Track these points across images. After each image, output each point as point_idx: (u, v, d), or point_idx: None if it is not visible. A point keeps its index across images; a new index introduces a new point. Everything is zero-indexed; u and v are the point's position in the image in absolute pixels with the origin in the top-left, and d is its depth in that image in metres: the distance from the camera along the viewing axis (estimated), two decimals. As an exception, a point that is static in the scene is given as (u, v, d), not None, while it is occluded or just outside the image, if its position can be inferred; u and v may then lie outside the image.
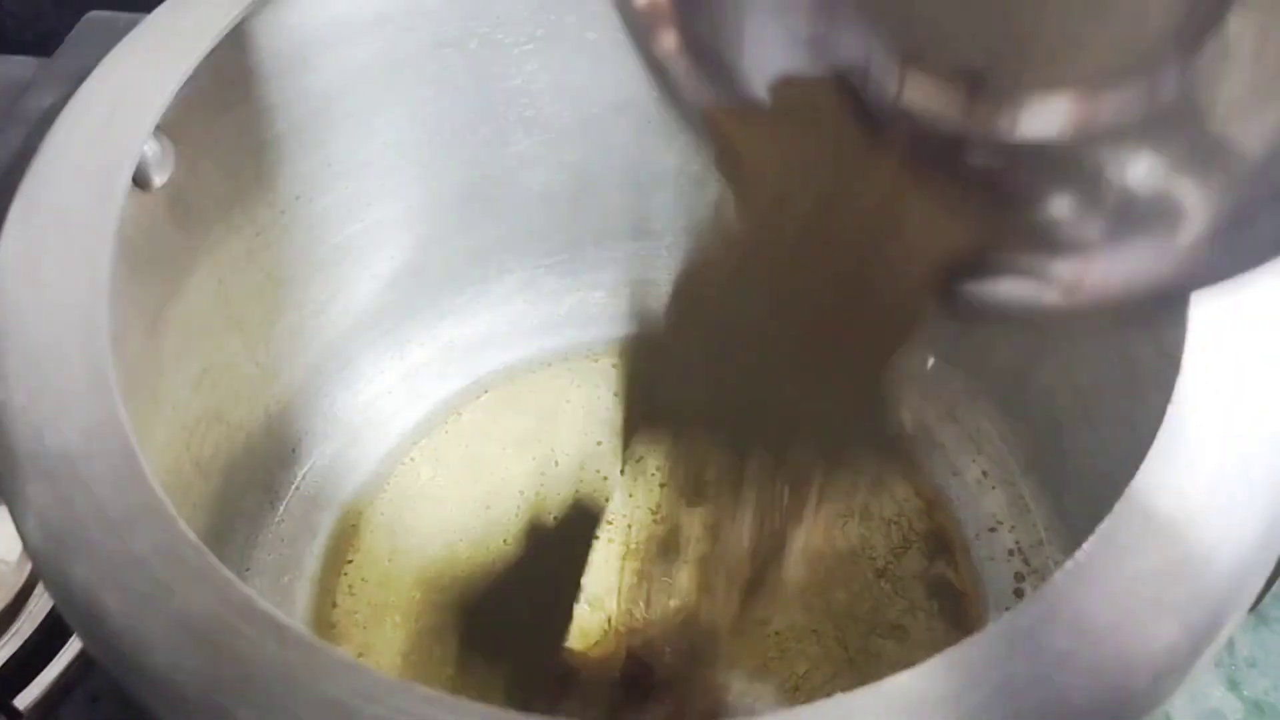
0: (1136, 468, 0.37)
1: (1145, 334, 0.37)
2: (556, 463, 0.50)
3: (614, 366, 0.53)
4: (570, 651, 0.38)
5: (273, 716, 0.21)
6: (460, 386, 0.52)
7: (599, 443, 0.50)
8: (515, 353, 0.53)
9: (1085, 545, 0.26)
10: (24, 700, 0.49)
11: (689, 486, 0.39)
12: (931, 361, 0.50)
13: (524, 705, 0.21)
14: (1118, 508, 0.27)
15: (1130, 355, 0.39)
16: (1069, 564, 0.25)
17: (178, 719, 0.22)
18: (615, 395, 0.52)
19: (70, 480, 0.24)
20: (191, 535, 0.23)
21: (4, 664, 0.49)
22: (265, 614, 0.23)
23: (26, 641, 0.50)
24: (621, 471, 0.42)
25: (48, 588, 0.24)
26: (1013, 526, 0.47)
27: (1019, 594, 0.46)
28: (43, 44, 0.58)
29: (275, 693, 0.22)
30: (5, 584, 0.51)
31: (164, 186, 0.35)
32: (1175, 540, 0.25)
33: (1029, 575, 0.46)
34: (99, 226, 0.29)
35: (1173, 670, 0.23)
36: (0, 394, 0.26)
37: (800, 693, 0.43)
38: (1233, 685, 0.47)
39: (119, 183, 0.30)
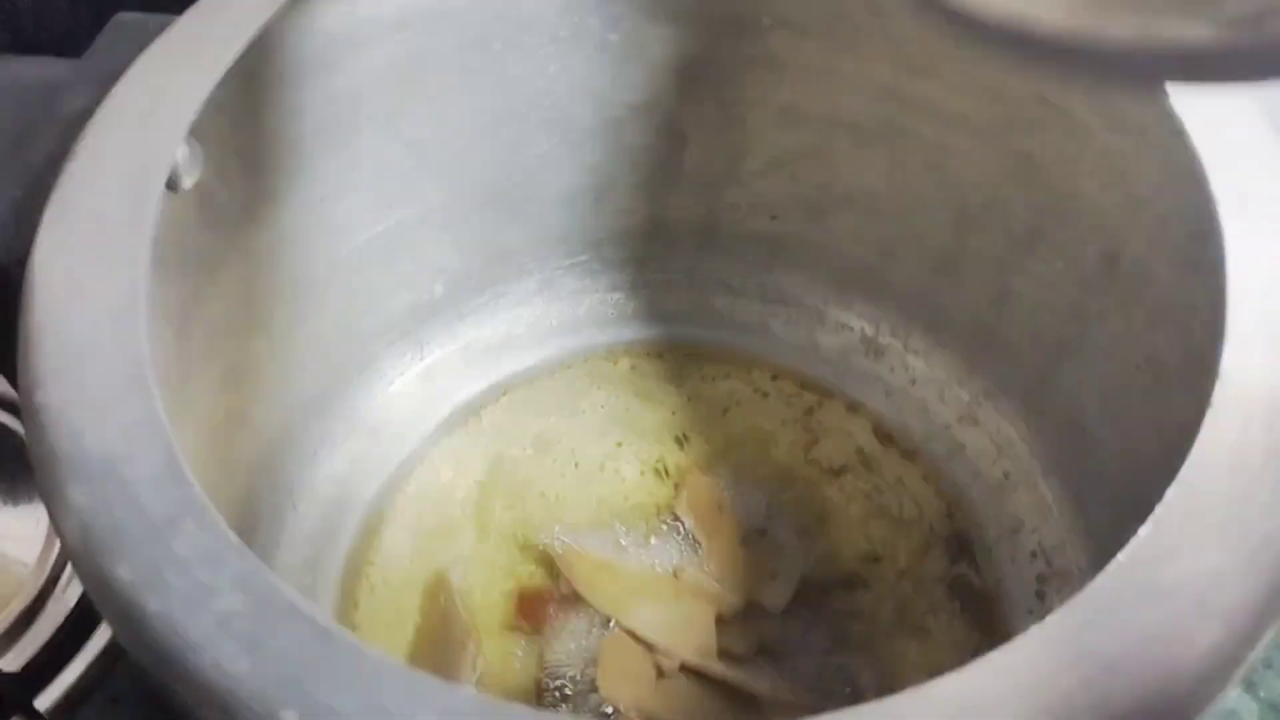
0: (1163, 471, 0.37)
1: (1174, 333, 0.37)
2: (577, 464, 0.50)
3: (633, 368, 0.53)
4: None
5: (317, 711, 0.21)
6: (480, 388, 0.52)
7: (618, 444, 0.50)
8: (535, 354, 0.53)
9: (1127, 546, 0.26)
10: (44, 701, 0.49)
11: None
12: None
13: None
14: (1159, 510, 0.27)
15: (1157, 358, 0.39)
16: (1111, 565, 0.25)
17: (222, 718, 0.22)
18: (635, 396, 0.52)
19: (110, 481, 0.24)
20: (233, 536, 0.23)
21: (24, 665, 0.49)
22: (309, 615, 0.23)
23: (47, 643, 0.50)
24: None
25: (88, 589, 0.24)
26: (1035, 529, 0.47)
27: (1041, 596, 0.46)
28: (60, 43, 0.58)
29: (320, 693, 0.22)
30: (25, 586, 0.51)
31: (193, 188, 0.35)
32: (1218, 542, 0.25)
33: (1051, 577, 0.46)
34: (135, 228, 0.29)
35: (1216, 675, 0.23)
36: (38, 396, 0.26)
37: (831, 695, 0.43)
38: (1249, 687, 0.47)
39: (154, 185, 0.30)
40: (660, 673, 0.43)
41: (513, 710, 0.21)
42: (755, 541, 0.47)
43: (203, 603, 0.23)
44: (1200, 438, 0.28)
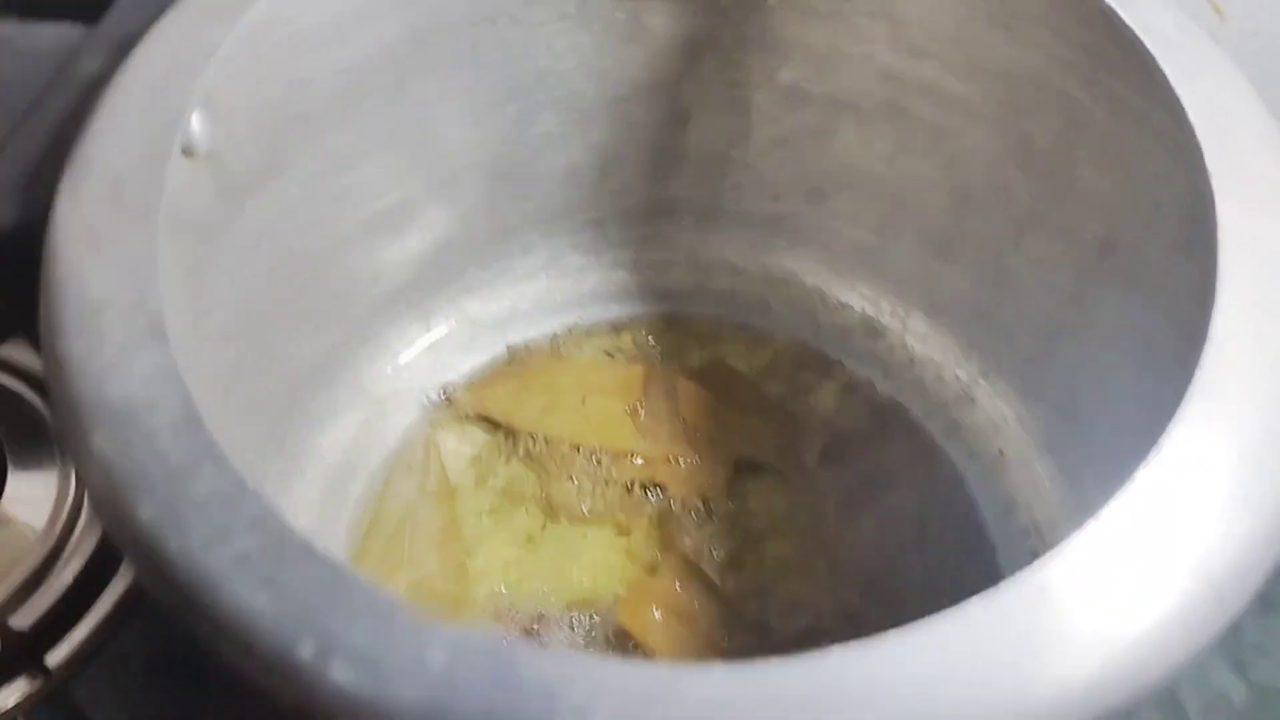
0: (1152, 443, 0.38)
1: (1166, 314, 0.38)
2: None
3: (635, 343, 0.54)
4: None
5: (332, 648, 0.22)
6: (484, 361, 0.53)
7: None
8: (539, 329, 0.54)
9: (1101, 512, 0.26)
10: (54, 659, 0.50)
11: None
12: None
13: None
14: (1137, 475, 0.28)
15: (1151, 337, 0.39)
16: (1084, 529, 0.26)
17: (241, 654, 0.23)
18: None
19: (131, 428, 0.25)
20: (249, 480, 0.24)
21: (34, 623, 0.50)
22: (322, 554, 0.23)
23: (56, 602, 0.51)
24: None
25: (110, 531, 0.25)
26: (1029, 506, 0.48)
27: (1033, 571, 0.46)
28: (74, 8, 0.59)
29: (335, 625, 0.22)
30: (35, 547, 0.52)
31: (207, 155, 0.36)
32: (1189, 516, 0.26)
33: (1044, 551, 0.46)
34: (150, 189, 0.30)
35: (1177, 645, 0.24)
36: (60, 347, 0.27)
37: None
38: (1239, 669, 0.48)
39: (168, 148, 0.31)
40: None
41: (521, 646, 0.22)
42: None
43: (221, 541, 0.23)
44: (1181, 410, 0.29)
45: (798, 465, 0.49)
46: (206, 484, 0.24)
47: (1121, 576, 0.25)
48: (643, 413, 0.51)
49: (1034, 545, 0.47)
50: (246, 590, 0.23)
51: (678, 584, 0.45)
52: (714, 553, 0.46)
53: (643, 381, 0.52)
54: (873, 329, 0.53)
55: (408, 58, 0.44)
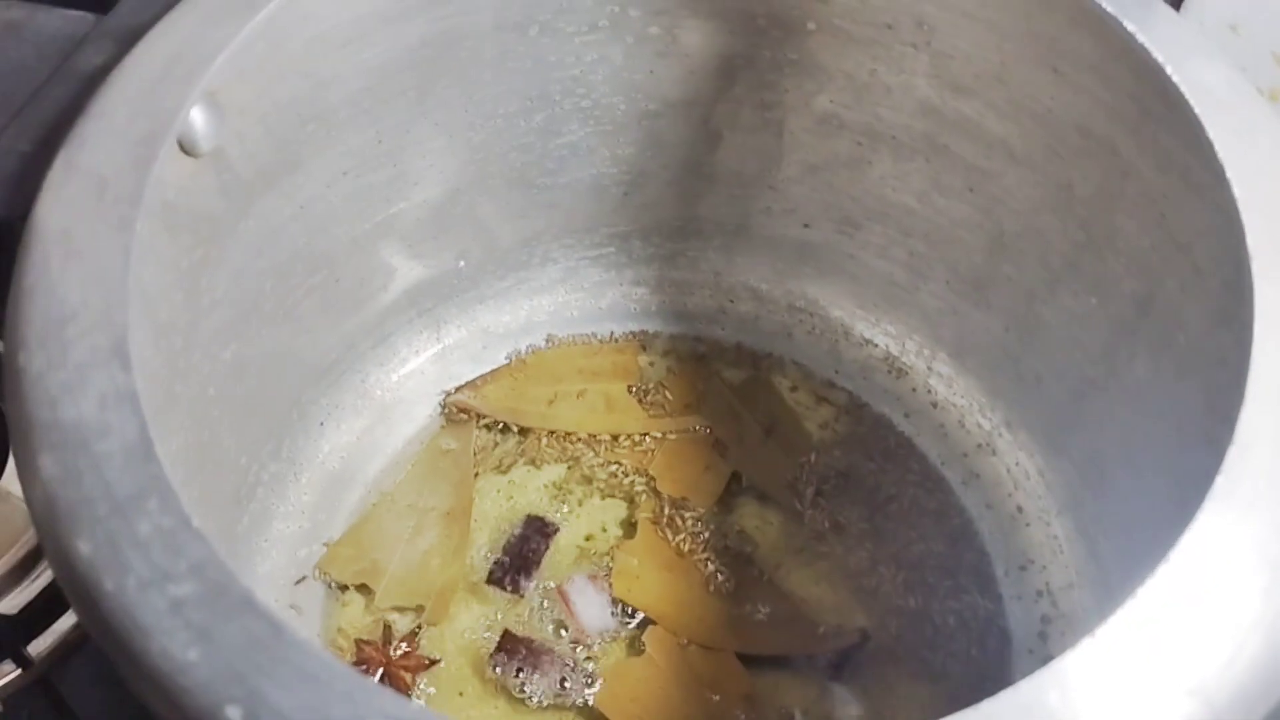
0: (1178, 521, 0.36)
1: (1199, 385, 0.36)
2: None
3: (650, 364, 0.52)
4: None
5: (261, 710, 0.21)
6: (494, 371, 0.51)
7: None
8: (553, 344, 0.53)
9: (1119, 611, 0.25)
10: (36, 648, 0.49)
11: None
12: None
13: None
14: (1159, 571, 0.26)
15: (1181, 406, 0.37)
16: (1099, 629, 0.24)
17: (167, 708, 0.22)
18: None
19: (80, 454, 0.24)
20: (195, 521, 0.23)
21: (20, 611, 0.49)
22: (262, 608, 0.22)
23: (43, 591, 0.50)
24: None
25: (49, 560, 0.24)
26: (1044, 566, 0.46)
27: (1043, 637, 0.45)
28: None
29: (266, 691, 0.21)
30: (28, 531, 0.52)
31: (211, 153, 0.35)
32: (1211, 616, 0.24)
33: (1056, 618, 0.45)
34: (134, 192, 0.29)
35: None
36: (20, 359, 0.26)
37: None
38: None
39: (157, 150, 0.30)
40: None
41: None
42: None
43: (158, 586, 0.22)
44: (1209, 501, 0.27)
45: (796, 496, 0.48)
46: (151, 520, 0.23)
47: (1125, 695, 0.23)
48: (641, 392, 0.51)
49: (1045, 610, 0.45)
50: (179, 643, 0.21)
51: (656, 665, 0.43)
52: (709, 566, 0.46)
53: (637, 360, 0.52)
54: (896, 367, 0.51)
55: (432, 61, 0.42)
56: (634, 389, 0.51)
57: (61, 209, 0.28)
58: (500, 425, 0.50)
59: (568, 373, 0.52)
